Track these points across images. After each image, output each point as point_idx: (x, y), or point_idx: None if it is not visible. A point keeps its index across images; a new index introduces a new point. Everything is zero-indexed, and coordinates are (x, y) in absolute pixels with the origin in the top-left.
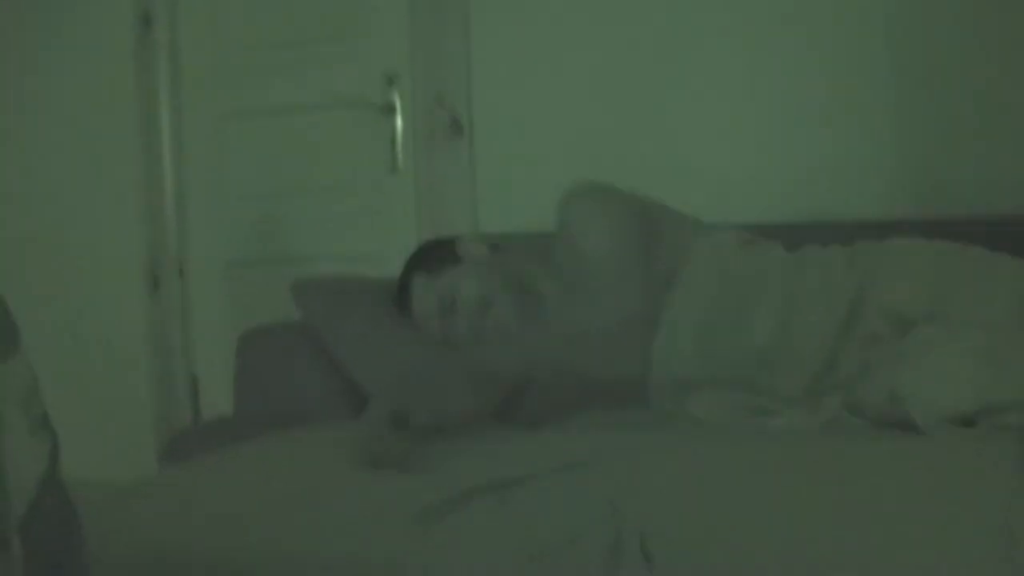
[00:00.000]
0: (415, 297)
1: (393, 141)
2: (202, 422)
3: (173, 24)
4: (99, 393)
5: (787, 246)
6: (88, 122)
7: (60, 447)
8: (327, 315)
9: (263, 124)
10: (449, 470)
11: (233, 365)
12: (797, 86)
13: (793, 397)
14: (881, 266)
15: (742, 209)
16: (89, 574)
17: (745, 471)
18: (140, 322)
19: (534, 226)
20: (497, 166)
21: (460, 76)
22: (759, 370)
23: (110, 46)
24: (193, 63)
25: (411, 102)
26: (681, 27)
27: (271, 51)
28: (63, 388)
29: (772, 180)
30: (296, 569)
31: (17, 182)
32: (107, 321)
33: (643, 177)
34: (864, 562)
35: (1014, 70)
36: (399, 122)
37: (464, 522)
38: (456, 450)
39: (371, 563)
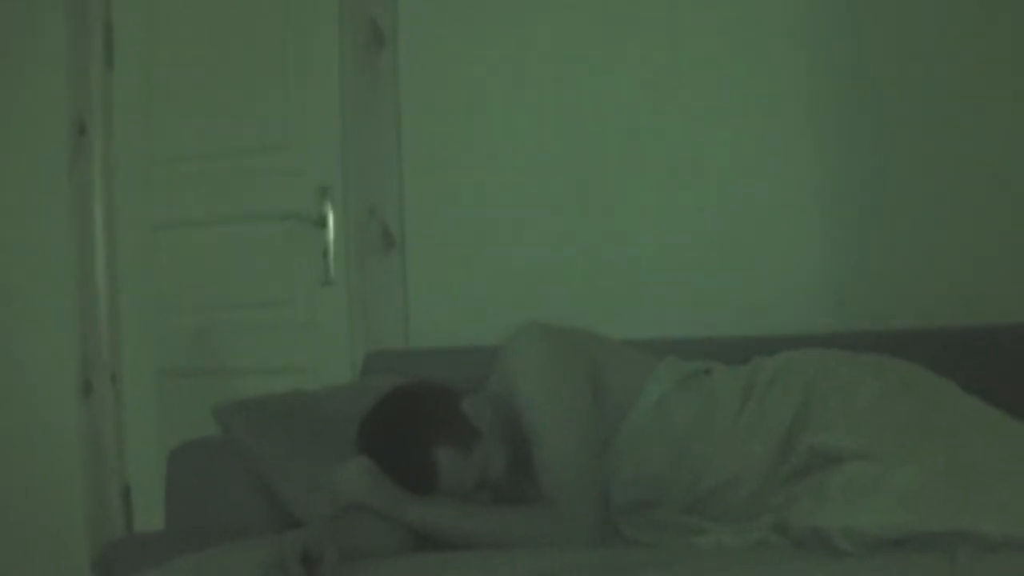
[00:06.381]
0: (446, 476)
1: (325, 253)
2: (134, 533)
3: (108, 133)
4: (31, 500)
5: (732, 357)
6: (22, 229)
7: None
8: (250, 439)
9: (196, 234)
10: None
11: (165, 477)
12: (744, 199)
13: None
14: (817, 404)
15: (684, 322)
16: None
17: None
18: (72, 430)
19: (466, 340)
20: (429, 279)
21: (392, 189)
22: (694, 504)
23: (45, 154)
24: (127, 172)
25: (343, 214)
26: (621, 141)
27: (205, 162)
28: None
29: (715, 293)
30: None
31: None
32: (39, 427)
33: (578, 290)
34: None
35: (960, 183)
36: (331, 234)
37: None
38: (380, 571)
39: None
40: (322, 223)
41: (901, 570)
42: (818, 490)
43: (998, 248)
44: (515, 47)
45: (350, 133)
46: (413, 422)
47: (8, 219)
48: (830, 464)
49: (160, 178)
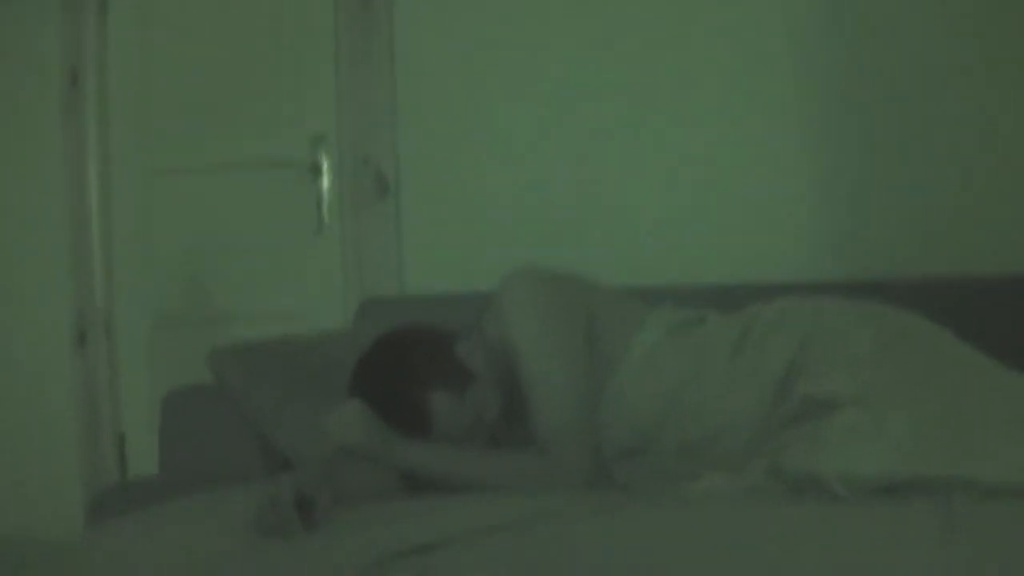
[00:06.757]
0: (439, 419)
1: (319, 201)
2: (128, 480)
3: (101, 82)
4: (26, 449)
5: (726, 305)
6: (16, 178)
7: None
8: (244, 385)
9: (190, 182)
10: (365, 535)
11: (159, 423)
12: (739, 146)
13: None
14: (813, 351)
15: (680, 268)
16: None
17: (665, 535)
18: (67, 378)
19: (460, 286)
20: (423, 226)
21: (386, 137)
22: (687, 451)
23: (38, 103)
24: (121, 121)
25: (337, 162)
26: (611, 87)
27: (199, 110)
28: None
29: (711, 240)
30: None
31: None
32: (34, 376)
33: (572, 237)
34: None
35: (940, 130)
36: (325, 182)
37: None
38: (371, 514)
39: None
40: (316, 171)
41: (897, 516)
42: (814, 436)
43: (989, 196)
44: None
45: (345, 81)
46: (406, 365)
47: (1, 170)
48: (825, 411)
49: (154, 126)
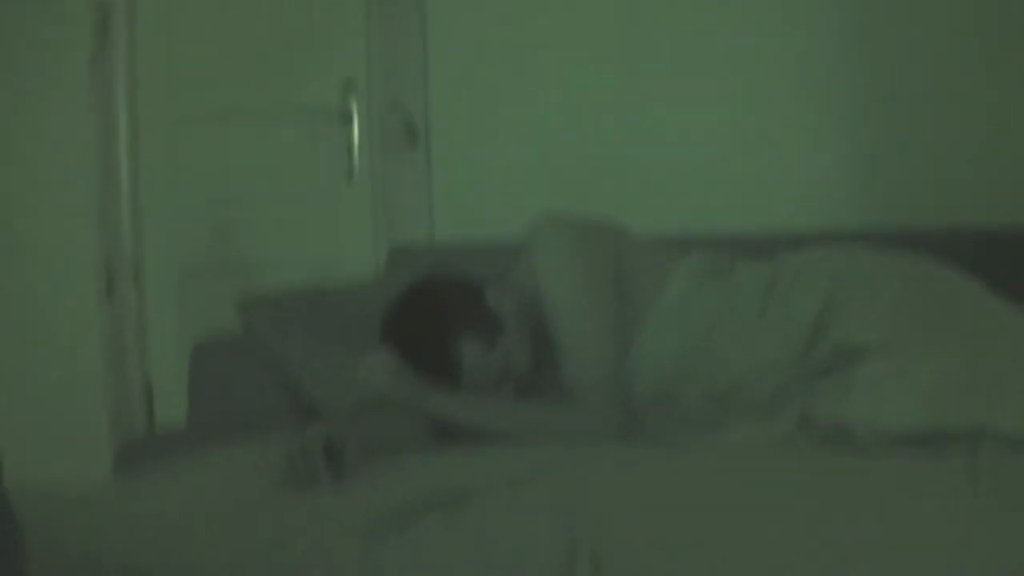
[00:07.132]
0: (468, 369)
1: (349, 148)
2: (155, 430)
3: (131, 29)
4: (53, 398)
5: (756, 253)
6: (44, 125)
7: (2, 461)
8: (274, 335)
9: (220, 130)
10: (394, 485)
11: (187, 373)
12: (766, 95)
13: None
14: (842, 299)
15: (705, 217)
16: None
17: (697, 485)
18: (95, 327)
19: (490, 234)
20: (454, 174)
21: (417, 84)
22: (716, 398)
23: (68, 49)
24: (151, 68)
25: (368, 109)
26: (645, 35)
27: (229, 57)
28: (16, 392)
29: (737, 188)
30: None
31: None
32: (62, 325)
33: (602, 185)
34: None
35: (965, 78)
36: (355, 130)
37: (411, 539)
38: (400, 464)
39: None
40: (346, 118)
41: (924, 466)
42: (842, 386)
43: (1015, 144)
44: None
45: (375, 27)
46: (436, 314)
47: (30, 115)
48: (854, 360)
49: (184, 73)
